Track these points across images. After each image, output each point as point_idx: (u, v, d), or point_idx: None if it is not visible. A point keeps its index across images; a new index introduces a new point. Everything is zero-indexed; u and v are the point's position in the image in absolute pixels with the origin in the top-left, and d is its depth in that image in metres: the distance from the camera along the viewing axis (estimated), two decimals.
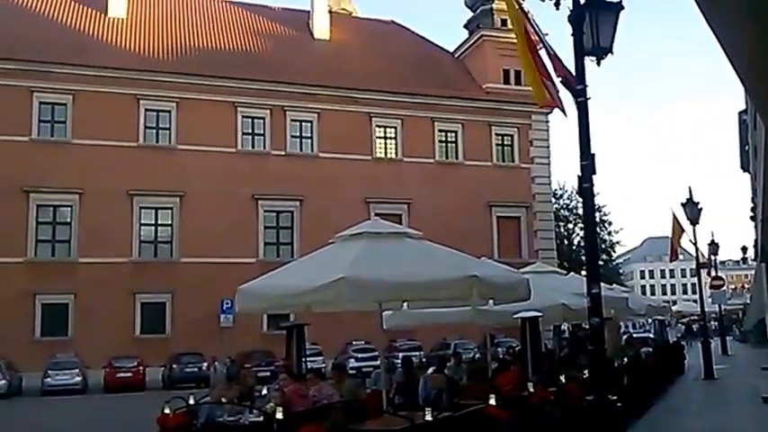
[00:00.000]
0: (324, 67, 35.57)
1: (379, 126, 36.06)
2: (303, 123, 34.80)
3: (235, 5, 39.33)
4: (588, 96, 7.42)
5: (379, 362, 13.12)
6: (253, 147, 33.90)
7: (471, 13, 42.80)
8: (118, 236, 30.50)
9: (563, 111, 8.02)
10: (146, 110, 32.20)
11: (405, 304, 10.50)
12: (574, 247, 51.16)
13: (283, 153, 34.12)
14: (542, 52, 7.88)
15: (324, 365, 22.89)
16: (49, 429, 17.41)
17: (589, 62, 7.47)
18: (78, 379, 25.75)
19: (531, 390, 8.57)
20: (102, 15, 34.89)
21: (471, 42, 40.97)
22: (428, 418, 6.53)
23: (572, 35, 7.43)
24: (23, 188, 29.58)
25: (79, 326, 29.52)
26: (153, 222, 31.81)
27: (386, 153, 36.21)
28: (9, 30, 31.25)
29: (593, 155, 7.32)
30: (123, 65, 31.85)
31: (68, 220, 30.52)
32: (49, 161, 29.91)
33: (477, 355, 23.01)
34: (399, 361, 14.01)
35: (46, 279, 29.26)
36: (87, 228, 30.24)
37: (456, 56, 41.84)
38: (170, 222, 31.94)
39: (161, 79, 32.23)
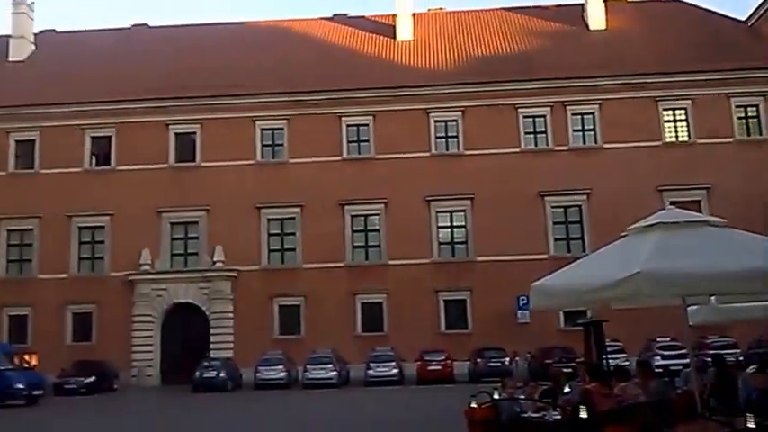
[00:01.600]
0: (603, 57, 34.06)
1: (667, 109, 33.27)
2: (585, 116, 33.54)
3: (507, 11, 39.46)
4: None
5: (687, 360, 11.99)
6: (535, 144, 33.56)
7: None
8: (419, 239, 32.32)
9: None
10: (435, 121, 33.74)
11: (712, 298, 9.43)
12: None
13: (566, 148, 33.22)
14: None
15: (627, 363, 21.67)
16: (368, 416, 18.78)
17: None
18: (395, 371, 27.68)
19: None
20: (392, 41, 37.58)
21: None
22: (750, 424, 5.71)
23: None
24: (339, 202, 32.79)
25: (392, 322, 31.83)
26: (449, 225, 33.10)
27: (676, 137, 33.29)
28: (315, 65, 35.20)
29: None
30: (414, 83, 33.84)
31: (377, 227, 33.15)
32: (356, 177, 32.84)
33: None
34: (710, 359, 12.69)
35: (362, 280, 32.12)
36: (393, 233, 32.55)
37: (749, 24, 36.92)
38: (464, 224, 32.94)
39: (447, 92, 33.59)
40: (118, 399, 26.73)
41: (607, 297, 7.31)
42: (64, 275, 33.17)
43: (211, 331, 32.01)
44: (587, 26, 37.30)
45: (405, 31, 37.75)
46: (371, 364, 27.94)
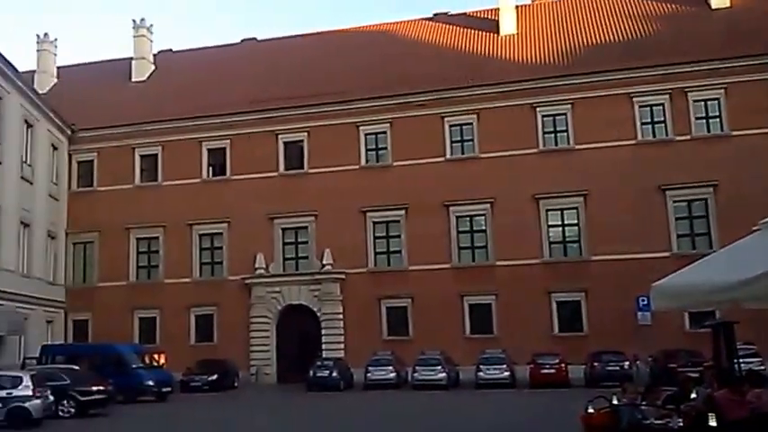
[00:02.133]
0: (728, 37, 31.54)
1: None
2: (708, 102, 31.11)
3: None
4: None
5: None
6: (653, 135, 31.58)
7: None
8: (528, 238, 31.34)
9: None
10: (542, 116, 32.60)
11: None
12: None
13: (688, 137, 31.03)
14: None
15: (762, 368, 19.92)
16: (479, 418, 18.47)
17: None
18: (506, 374, 27.05)
19: None
20: (495, 36, 36.79)
21: None
22: None
23: None
24: (444, 202, 32.39)
25: (502, 324, 31.03)
26: (560, 223, 31.86)
27: None
28: (417, 66, 35.05)
29: None
30: (519, 77, 32.92)
31: (483, 227, 32.45)
32: (461, 177, 32.31)
33: None
34: None
35: (469, 282, 31.55)
36: (500, 233, 31.75)
37: None
38: (576, 222, 31.60)
39: (555, 84, 32.36)
40: (239, 396, 27.66)
41: (738, 297, 6.57)
42: (187, 280, 34.81)
43: (323, 332, 32.55)
44: (709, 5, 34.77)
45: (508, 25, 36.89)
46: (481, 367, 27.42)
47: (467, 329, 31.57)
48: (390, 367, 28.24)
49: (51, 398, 18.70)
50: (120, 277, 35.59)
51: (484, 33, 37.17)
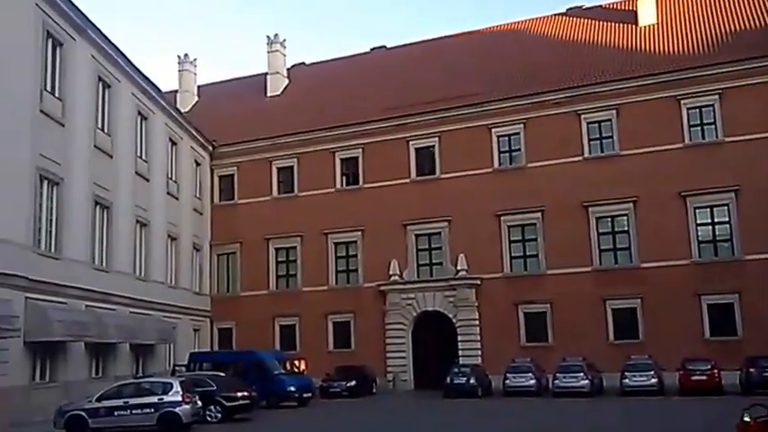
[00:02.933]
0: None
1: None
2: None
3: None
4: None
5: None
6: None
7: None
8: (675, 238, 31.16)
9: None
10: (687, 109, 32.20)
11: None
12: None
13: None
14: None
15: None
16: (626, 426, 18.79)
17: None
18: (654, 380, 26.92)
19: None
20: (634, 27, 36.78)
21: None
22: None
23: None
24: (583, 203, 32.85)
25: (648, 328, 31.05)
26: (709, 221, 31.33)
27: None
28: (552, 63, 35.91)
29: None
30: (661, 69, 32.82)
31: (625, 228, 32.54)
32: (599, 176, 32.66)
33: None
34: None
35: (612, 285, 31.75)
36: (644, 233, 31.78)
37: None
38: (727, 219, 30.99)
39: (701, 74, 31.90)
40: (378, 402, 29.14)
41: None
42: (324, 288, 37.44)
43: (459, 338, 33.91)
44: None
45: (648, 15, 36.85)
46: (627, 373, 27.51)
47: (610, 335, 31.77)
48: (530, 374, 28.96)
49: (199, 403, 20.10)
50: (260, 286, 38.85)
51: (622, 25, 37.35)
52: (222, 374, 24.43)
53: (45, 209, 24.04)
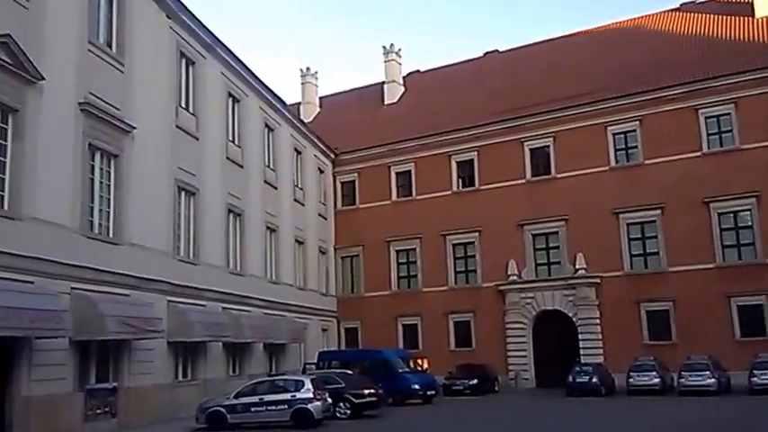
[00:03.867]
0: None
1: None
2: None
3: None
4: None
5: None
6: None
7: None
8: None
9: None
10: None
11: None
12: None
13: None
14: None
15: None
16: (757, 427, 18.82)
17: None
18: None
19: None
20: (750, 19, 36.21)
21: None
22: None
23: None
24: (703, 199, 32.73)
25: None
26: None
27: None
28: (667, 59, 35.92)
29: None
30: None
31: (749, 223, 32.18)
32: (720, 170, 32.47)
33: None
34: None
35: (737, 282, 31.46)
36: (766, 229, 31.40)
37: None
38: None
39: None
40: (500, 400, 30.03)
41: None
42: (444, 288, 39.09)
43: (579, 337, 34.58)
44: None
45: (765, 6, 35.99)
46: (755, 372, 27.33)
47: (736, 332, 31.50)
48: (654, 372, 29.26)
49: (329, 400, 21.18)
50: (383, 287, 41.00)
51: (737, 18, 36.72)
52: (350, 372, 25.71)
53: (183, 218, 25.50)
